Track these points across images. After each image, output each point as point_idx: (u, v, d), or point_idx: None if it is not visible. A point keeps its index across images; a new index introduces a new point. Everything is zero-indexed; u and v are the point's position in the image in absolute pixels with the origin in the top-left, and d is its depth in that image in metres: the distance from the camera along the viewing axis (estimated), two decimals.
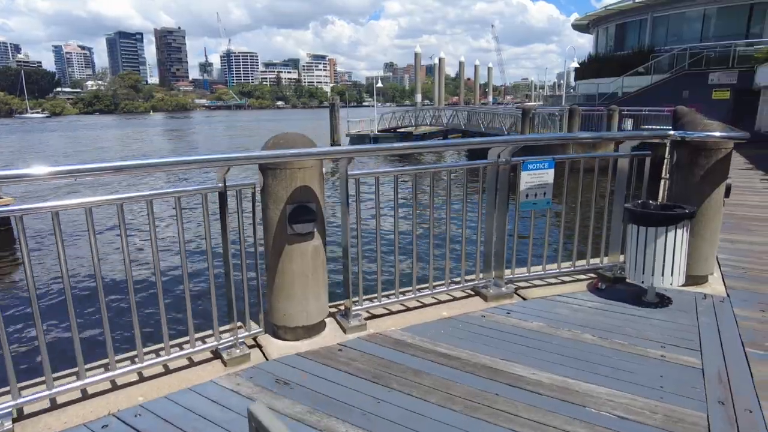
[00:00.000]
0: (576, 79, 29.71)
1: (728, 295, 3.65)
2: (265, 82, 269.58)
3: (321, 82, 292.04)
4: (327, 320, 3.23)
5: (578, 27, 30.53)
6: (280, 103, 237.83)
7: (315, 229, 2.89)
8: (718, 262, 4.33)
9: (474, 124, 24.94)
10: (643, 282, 3.42)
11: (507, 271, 3.80)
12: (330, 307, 3.32)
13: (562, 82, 31.62)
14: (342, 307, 3.35)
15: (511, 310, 3.41)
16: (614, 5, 25.08)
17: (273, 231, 2.84)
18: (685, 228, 3.29)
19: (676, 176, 3.76)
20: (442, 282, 3.59)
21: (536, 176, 3.57)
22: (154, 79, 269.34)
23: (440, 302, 3.58)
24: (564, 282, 3.96)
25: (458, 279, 3.67)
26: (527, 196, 3.58)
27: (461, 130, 27.16)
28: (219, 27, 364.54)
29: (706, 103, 19.82)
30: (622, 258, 3.92)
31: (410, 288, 3.47)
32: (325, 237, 3.02)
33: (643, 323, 3.18)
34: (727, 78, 19.53)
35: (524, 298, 3.67)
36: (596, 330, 3.09)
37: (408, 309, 3.47)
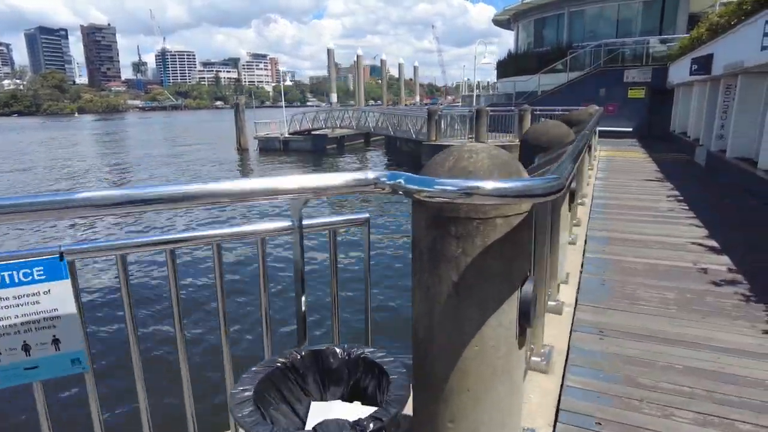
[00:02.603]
0: (498, 77, 28.40)
1: None
2: (203, 82, 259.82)
3: (262, 82, 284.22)
4: None
5: (499, 23, 29.17)
6: (219, 103, 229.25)
7: None
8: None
9: (382, 127, 22.90)
10: None
11: None
12: None
13: (491, 81, 30.39)
14: None
15: None
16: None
17: None
18: None
19: (415, 282, 1.60)
20: None
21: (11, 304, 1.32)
22: (83, 79, 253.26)
23: None
24: None
25: None
26: None
27: (371, 133, 25.15)
28: (153, 24, 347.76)
29: (623, 101, 18.72)
30: None
31: None
32: None
33: None
34: (642, 76, 18.45)
35: None
36: None
37: None
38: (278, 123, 29.15)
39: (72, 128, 77.11)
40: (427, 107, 21.61)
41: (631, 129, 18.18)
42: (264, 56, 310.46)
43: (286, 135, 28.26)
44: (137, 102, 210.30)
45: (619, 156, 12.82)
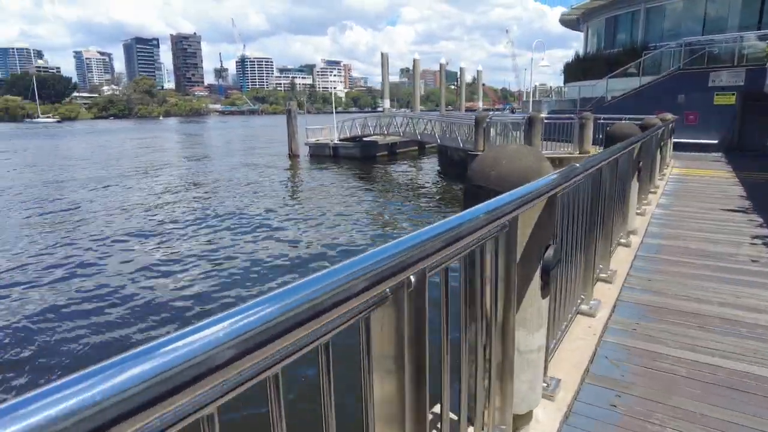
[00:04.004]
0: (565, 81, 26.01)
1: None
2: (279, 88, 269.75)
3: (336, 88, 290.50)
4: None
5: (567, 23, 26.70)
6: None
7: None
8: None
9: (429, 134, 21.38)
10: None
11: None
12: None
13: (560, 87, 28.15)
14: None
15: None
16: None
17: None
18: None
19: None
20: None
21: None
22: (170, 84, 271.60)
23: None
24: None
25: None
26: None
27: (417, 141, 23.75)
28: (234, 32, 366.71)
29: (706, 109, 16.12)
30: None
31: None
32: None
33: None
34: (733, 79, 15.71)
35: None
36: None
37: None
38: (329, 129, 28.59)
39: (156, 130, 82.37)
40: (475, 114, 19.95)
41: (716, 141, 15.57)
42: (338, 63, 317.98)
43: (336, 141, 27.58)
44: (217, 106, 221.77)
45: (695, 175, 10.68)
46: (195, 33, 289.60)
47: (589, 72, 21.53)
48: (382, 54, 33.82)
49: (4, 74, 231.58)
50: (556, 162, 15.01)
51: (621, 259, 4.52)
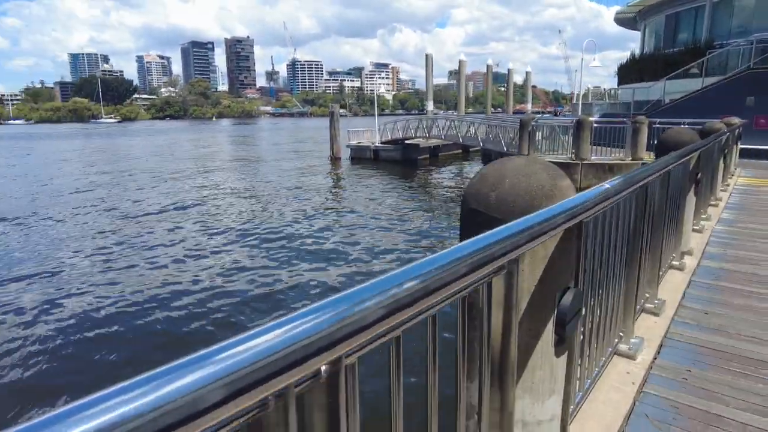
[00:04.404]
0: (618, 83, 24.60)
1: None
2: (328, 91, 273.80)
3: (379, 90, 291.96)
4: None
5: (623, 22, 25.21)
6: (342, 111, 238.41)
7: None
8: None
9: (471, 137, 20.65)
10: None
11: None
12: None
13: (606, 89, 26.80)
14: None
15: None
16: None
17: None
18: None
19: None
20: None
21: None
22: (224, 86, 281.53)
23: None
24: None
25: None
26: None
27: (461, 144, 23.02)
28: (285, 35, 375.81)
29: None
30: None
31: None
32: None
33: None
34: None
35: None
36: None
37: None
38: (371, 131, 28.41)
39: (210, 131, 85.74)
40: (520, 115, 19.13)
41: None
42: (386, 65, 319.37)
43: (377, 144, 27.34)
44: (268, 108, 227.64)
45: (766, 186, 9.62)
46: (248, 37, 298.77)
47: (645, 73, 20.21)
48: (426, 55, 33.41)
49: (75, 78, 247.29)
50: (606, 168, 14.06)
51: (672, 286, 3.91)
